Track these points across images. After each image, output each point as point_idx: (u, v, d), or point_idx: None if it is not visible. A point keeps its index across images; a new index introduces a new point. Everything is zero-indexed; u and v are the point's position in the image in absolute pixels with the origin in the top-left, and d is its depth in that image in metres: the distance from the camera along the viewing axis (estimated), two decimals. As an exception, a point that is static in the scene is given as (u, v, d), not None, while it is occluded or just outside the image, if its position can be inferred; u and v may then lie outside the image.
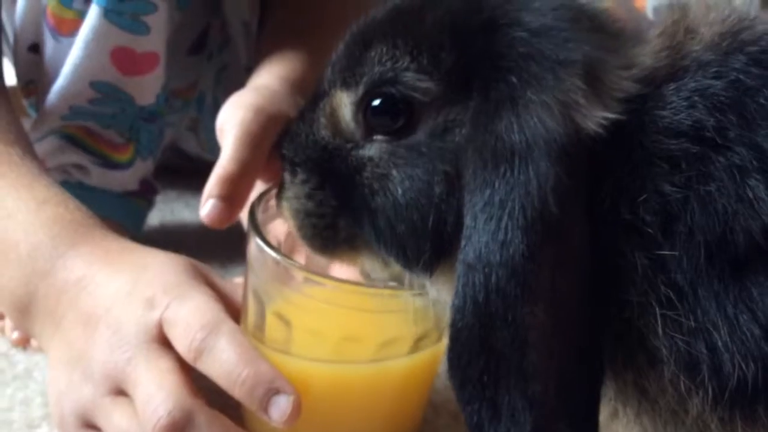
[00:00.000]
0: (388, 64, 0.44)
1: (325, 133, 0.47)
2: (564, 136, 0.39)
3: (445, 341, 0.55)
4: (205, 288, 0.55)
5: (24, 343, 0.72)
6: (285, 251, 0.56)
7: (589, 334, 0.40)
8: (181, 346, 0.52)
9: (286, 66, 0.74)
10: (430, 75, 0.44)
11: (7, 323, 0.73)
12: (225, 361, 0.50)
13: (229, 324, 0.52)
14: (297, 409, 0.50)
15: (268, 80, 0.72)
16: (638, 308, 0.39)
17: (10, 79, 0.88)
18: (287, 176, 0.49)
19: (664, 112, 0.40)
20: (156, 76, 0.80)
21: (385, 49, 0.44)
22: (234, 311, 0.56)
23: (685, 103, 0.40)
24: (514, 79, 0.41)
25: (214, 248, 0.92)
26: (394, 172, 0.44)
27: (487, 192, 0.39)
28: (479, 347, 0.39)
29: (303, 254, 0.60)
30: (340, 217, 0.47)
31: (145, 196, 0.91)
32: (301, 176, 0.48)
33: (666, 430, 0.41)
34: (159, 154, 0.91)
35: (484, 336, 0.39)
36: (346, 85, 0.46)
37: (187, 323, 0.52)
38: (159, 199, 0.99)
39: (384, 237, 0.45)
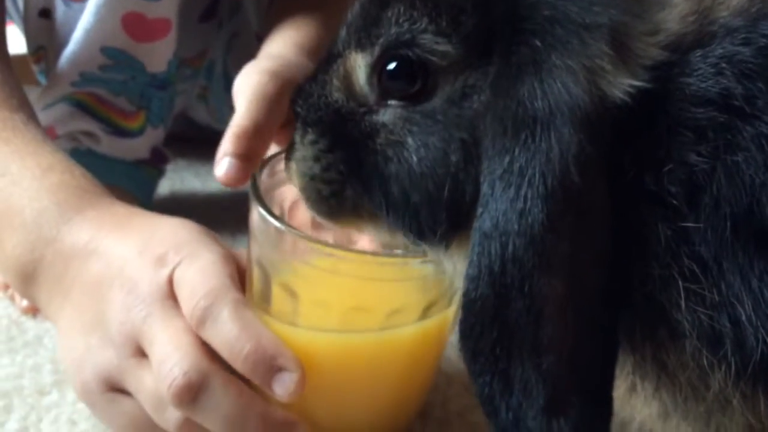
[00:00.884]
0: (406, 25, 0.42)
1: (338, 95, 0.46)
2: (588, 103, 0.38)
3: (454, 307, 0.55)
4: (217, 246, 0.54)
5: (33, 310, 0.72)
6: (291, 218, 0.55)
7: (607, 308, 0.39)
8: (185, 309, 0.51)
9: (300, 33, 0.73)
10: (449, 38, 0.42)
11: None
12: (227, 333, 0.49)
13: (233, 293, 0.51)
14: (300, 385, 0.49)
15: (282, 48, 0.71)
16: (660, 281, 0.38)
17: (18, 47, 0.87)
18: (297, 136, 0.48)
19: (691, 80, 0.39)
20: (167, 43, 0.79)
21: (402, 9, 0.43)
22: (244, 275, 0.55)
23: (712, 70, 0.39)
24: (538, 43, 0.39)
25: (223, 217, 0.92)
26: (409, 139, 0.43)
27: (507, 159, 0.38)
28: (493, 318, 0.38)
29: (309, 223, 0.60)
30: (348, 184, 0.46)
31: (155, 164, 0.90)
32: (310, 137, 0.47)
33: (686, 405, 0.40)
34: (170, 123, 0.90)
35: (498, 307, 0.38)
36: (361, 46, 0.45)
37: (192, 288, 0.51)
38: (169, 168, 0.98)
39: (396, 207, 0.44)
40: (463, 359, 0.40)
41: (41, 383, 0.62)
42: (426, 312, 0.54)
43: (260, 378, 0.49)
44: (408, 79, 0.43)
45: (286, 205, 0.58)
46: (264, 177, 0.55)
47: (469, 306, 0.39)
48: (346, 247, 0.51)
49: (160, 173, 0.92)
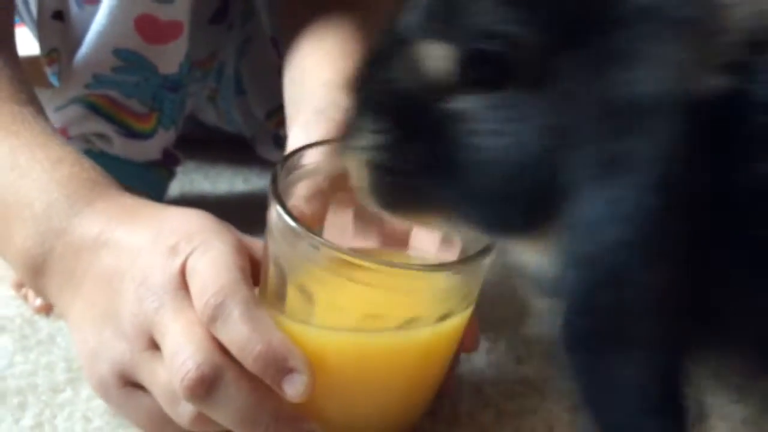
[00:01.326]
0: (488, 15, 0.40)
1: (408, 83, 0.43)
2: (683, 96, 0.37)
3: (471, 309, 0.56)
4: (229, 236, 0.54)
5: (47, 310, 0.72)
6: (308, 217, 0.55)
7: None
8: (196, 305, 0.51)
9: (338, 61, 0.72)
10: (531, 23, 0.40)
11: (30, 290, 0.73)
12: (238, 333, 0.49)
13: (244, 291, 0.51)
14: (310, 387, 0.50)
15: (324, 93, 0.69)
16: None
17: (28, 48, 0.88)
18: (360, 124, 0.44)
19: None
20: (179, 45, 0.80)
21: None
22: (256, 266, 0.55)
23: None
24: (630, 32, 0.38)
25: (234, 220, 0.91)
26: (489, 126, 0.40)
27: (606, 145, 0.37)
28: (593, 311, 0.37)
29: (329, 222, 0.60)
30: (418, 175, 0.43)
31: (167, 166, 0.91)
32: (376, 125, 0.44)
33: None
34: (181, 125, 0.91)
35: (598, 300, 0.37)
36: (438, 35, 0.42)
37: (203, 282, 0.51)
38: (178, 170, 0.99)
39: (473, 198, 0.42)
40: (563, 359, 0.38)
41: (55, 381, 0.63)
42: (443, 317, 0.54)
43: (270, 378, 0.49)
44: (490, 68, 0.41)
45: (302, 203, 0.57)
46: (284, 175, 0.55)
47: (570, 301, 0.38)
48: (364, 255, 0.50)
49: (171, 175, 0.93)
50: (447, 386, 0.60)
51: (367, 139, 0.44)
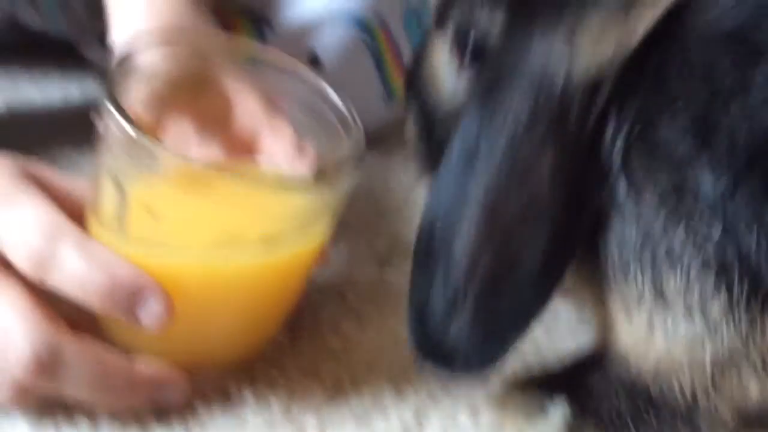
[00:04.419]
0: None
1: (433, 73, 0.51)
2: (557, 73, 0.41)
3: (327, 229, 0.53)
4: (37, 190, 0.48)
5: None
6: (146, 124, 0.50)
7: None
8: (21, 262, 0.46)
9: None
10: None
11: None
12: (76, 270, 0.45)
13: (73, 229, 0.46)
14: (170, 309, 0.46)
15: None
16: None
17: None
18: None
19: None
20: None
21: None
22: (76, 213, 0.49)
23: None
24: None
25: (68, 129, 0.85)
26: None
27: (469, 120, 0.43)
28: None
29: (168, 129, 0.55)
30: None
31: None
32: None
33: None
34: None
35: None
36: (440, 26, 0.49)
37: (21, 234, 0.45)
38: (2, 78, 0.90)
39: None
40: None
41: None
42: (304, 232, 0.51)
43: (123, 310, 0.45)
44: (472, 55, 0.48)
45: (140, 108, 0.52)
46: (119, 76, 0.49)
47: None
48: (218, 166, 0.46)
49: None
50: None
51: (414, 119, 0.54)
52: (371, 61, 0.79)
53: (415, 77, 0.56)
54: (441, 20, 0.49)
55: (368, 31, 0.78)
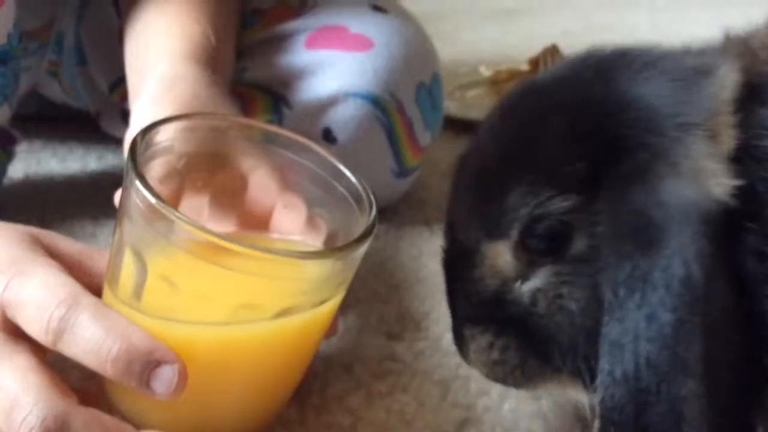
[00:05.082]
0: (532, 202, 0.44)
1: (491, 283, 0.47)
2: (700, 205, 0.39)
3: (341, 296, 0.53)
4: (50, 260, 0.49)
5: None
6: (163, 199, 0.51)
7: (743, 402, 0.40)
8: (35, 329, 0.46)
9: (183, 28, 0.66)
10: (570, 191, 0.43)
11: None
12: (90, 337, 0.45)
13: (88, 297, 0.46)
14: (184, 377, 0.46)
15: (171, 65, 0.64)
16: None
17: None
18: (466, 334, 0.49)
19: None
20: (5, 13, 0.72)
21: (523, 191, 0.44)
22: (89, 281, 0.50)
23: None
24: (640, 156, 0.41)
25: (84, 201, 0.86)
26: (564, 290, 0.44)
27: (628, 266, 0.40)
28: (633, 425, 0.39)
29: (183, 204, 0.56)
30: (526, 355, 0.47)
31: (3, 146, 0.83)
32: (477, 330, 0.48)
33: None
34: (15, 102, 0.83)
35: (637, 413, 0.39)
36: (497, 235, 0.46)
37: (38, 302, 0.46)
38: (23, 149, 0.91)
39: (568, 355, 0.45)
40: None
41: None
42: (319, 304, 0.51)
43: (137, 378, 0.45)
44: (550, 244, 0.44)
45: (156, 184, 0.53)
46: (143, 149, 0.50)
47: (607, 415, 0.40)
48: (235, 239, 0.46)
49: (9, 156, 0.85)
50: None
51: (476, 343, 0.48)
52: (384, 137, 0.81)
53: (471, 298, 0.49)
54: (499, 229, 0.45)
55: (381, 107, 0.79)
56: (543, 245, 0.44)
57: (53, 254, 0.51)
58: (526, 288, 0.45)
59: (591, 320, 0.43)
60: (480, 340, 0.48)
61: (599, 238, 0.43)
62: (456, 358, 0.60)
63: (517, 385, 0.48)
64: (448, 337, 0.64)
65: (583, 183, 0.43)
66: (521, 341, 0.46)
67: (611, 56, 0.47)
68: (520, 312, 0.46)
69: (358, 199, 0.55)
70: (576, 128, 0.44)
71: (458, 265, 0.49)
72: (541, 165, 0.44)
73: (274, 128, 0.62)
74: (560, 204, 0.43)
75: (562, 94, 0.46)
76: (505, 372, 0.48)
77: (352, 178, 0.56)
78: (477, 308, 0.48)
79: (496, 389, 0.58)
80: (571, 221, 0.44)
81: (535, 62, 1.28)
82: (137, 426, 0.48)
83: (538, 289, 0.45)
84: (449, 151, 1.03)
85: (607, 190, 0.42)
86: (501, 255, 0.46)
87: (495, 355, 0.47)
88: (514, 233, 0.45)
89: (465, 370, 0.60)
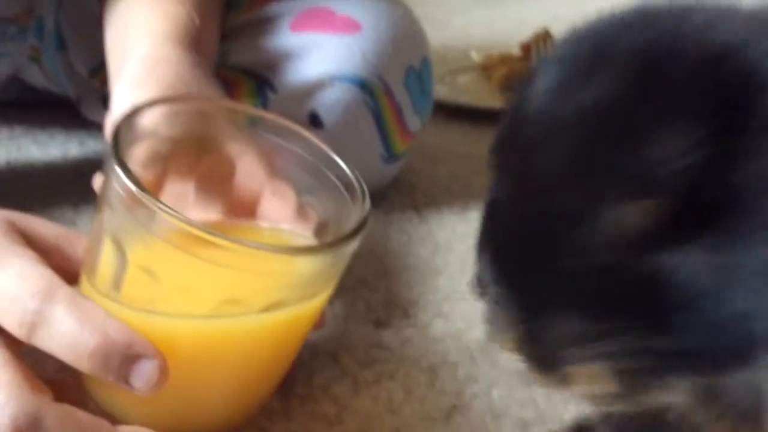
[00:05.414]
0: (682, 150, 0.35)
1: (612, 254, 0.37)
2: None
3: (330, 291, 0.51)
4: (26, 249, 0.47)
5: None
6: (146, 184, 0.48)
7: None
8: (9, 322, 0.44)
9: (166, 13, 0.65)
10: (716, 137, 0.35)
11: None
12: (66, 331, 0.43)
13: (65, 288, 0.45)
14: (164, 372, 0.44)
15: (153, 46, 0.62)
16: None
17: None
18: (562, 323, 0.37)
19: None
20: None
21: (669, 138, 0.35)
22: (67, 266, 0.48)
23: None
24: None
25: (65, 187, 0.85)
26: (723, 260, 0.35)
27: None
28: None
29: (167, 191, 0.54)
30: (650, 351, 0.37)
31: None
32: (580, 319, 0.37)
33: None
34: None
35: None
36: (632, 194, 0.36)
37: (12, 294, 0.44)
38: (4, 135, 0.90)
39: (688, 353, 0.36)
40: None
41: None
42: (308, 298, 0.49)
43: (115, 373, 0.43)
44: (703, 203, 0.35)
45: (139, 169, 0.51)
46: (125, 133, 0.48)
47: None
48: (220, 231, 0.44)
49: (-12, 143, 0.83)
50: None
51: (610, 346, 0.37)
52: (372, 121, 0.79)
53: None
54: (637, 185, 0.35)
55: (369, 91, 0.78)
56: (696, 205, 0.35)
57: (30, 239, 0.49)
58: (672, 260, 0.36)
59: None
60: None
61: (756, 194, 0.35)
62: (444, 345, 0.59)
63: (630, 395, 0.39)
64: (435, 324, 0.64)
65: (728, 130, 0.35)
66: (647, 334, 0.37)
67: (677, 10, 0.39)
68: (657, 293, 0.36)
69: (349, 189, 0.53)
70: (707, 70, 0.36)
71: (549, 234, 0.38)
72: (678, 111, 0.35)
73: (261, 112, 0.61)
74: (708, 153, 0.34)
75: (668, 36, 0.38)
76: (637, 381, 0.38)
77: (344, 166, 0.54)
78: (582, 289, 0.37)
79: (485, 376, 0.57)
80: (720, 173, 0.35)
81: (527, 48, 1.27)
82: (116, 421, 0.46)
83: (691, 260, 0.36)
84: (439, 137, 1.04)
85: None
86: (634, 217, 0.36)
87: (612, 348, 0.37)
88: (663, 188, 0.35)
89: (453, 356, 0.59)
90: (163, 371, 0.44)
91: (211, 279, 0.46)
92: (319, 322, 0.57)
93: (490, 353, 0.59)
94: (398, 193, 0.87)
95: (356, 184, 0.53)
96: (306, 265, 0.48)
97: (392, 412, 0.54)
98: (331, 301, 0.64)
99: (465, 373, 0.58)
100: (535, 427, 0.53)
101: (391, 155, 0.82)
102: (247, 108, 0.67)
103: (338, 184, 0.54)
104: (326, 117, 0.77)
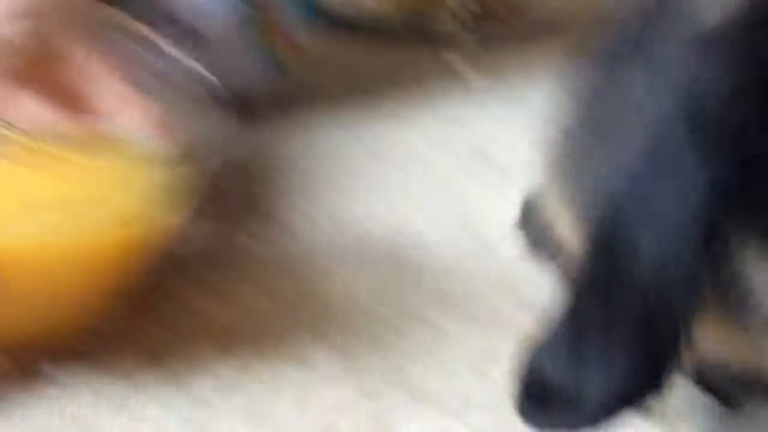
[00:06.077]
0: None
1: None
2: None
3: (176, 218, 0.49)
4: None
5: None
6: None
7: None
8: None
9: None
10: None
11: None
12: None
13: None
14: None
15: None
16: None
17: None
18: None
19: None
20: None
21: None
22: None
23: None
24: None
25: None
26: None
27: None
28: None
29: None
30: None
31: None
32: None
33: None
34: None
35: None
36: None
37: None
38: None
39: None
40: None
41: None
42: (156, 210, 0.48)
43: None
44: None
45: None
46: None
47: None
48: (65, 135, 0.45)
49: None
50: None
51: None
52: (252, 32, 0.77)
53: None
54: None
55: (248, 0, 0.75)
56: None
57: None
58: None
59: None
60: None
61: None
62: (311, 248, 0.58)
63: None
64: (300, 224, 0.63)
65: None
66: None
67: None
68: None
69: (213, 98, 0.52)
70: None
71: None
72: None
73: (122, 17, 0.58)
74: None
75: None
76: None
77: (207, 76, 0.53)
78: None
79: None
80: None
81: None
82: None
83: None
84: (331, 51, 1.01)
85: None
86: None
87: None
88: None
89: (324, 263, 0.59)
90: None
91: (34, 189, 0.45)
92: (179, 238, 0.55)
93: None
94: (288, 106, 0.85)
95: (219, 92, 0.52)
96: (161, 174, 0.47)
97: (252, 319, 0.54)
98: (198, 216, 0.63)
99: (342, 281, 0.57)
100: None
101: (272, 66, 0.80)
102: (109, 10, 0.64)
103: (200, 92, 0.53)
104: (204, 27, 0.74)
